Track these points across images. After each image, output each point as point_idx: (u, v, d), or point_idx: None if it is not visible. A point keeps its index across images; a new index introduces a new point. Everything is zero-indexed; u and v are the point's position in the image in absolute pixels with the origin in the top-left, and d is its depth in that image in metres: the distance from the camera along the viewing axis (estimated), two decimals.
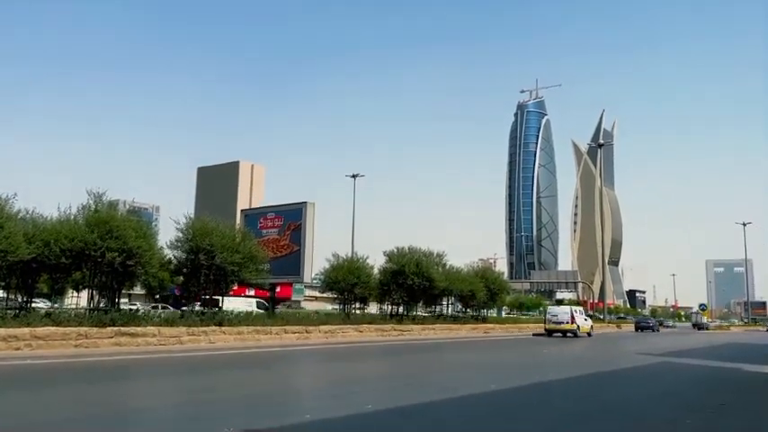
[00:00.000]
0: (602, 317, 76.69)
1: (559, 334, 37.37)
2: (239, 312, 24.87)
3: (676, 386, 13.59)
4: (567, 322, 37.57)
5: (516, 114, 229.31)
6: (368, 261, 32.77)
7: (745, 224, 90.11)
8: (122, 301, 25.36)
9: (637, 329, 57.87)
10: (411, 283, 32.15)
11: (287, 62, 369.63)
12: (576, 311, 39.18)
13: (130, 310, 23.84)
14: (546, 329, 38.58)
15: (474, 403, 9.71)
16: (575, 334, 37.34)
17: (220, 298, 24.33)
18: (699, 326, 78.42)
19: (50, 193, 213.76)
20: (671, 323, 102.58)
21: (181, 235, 23.10)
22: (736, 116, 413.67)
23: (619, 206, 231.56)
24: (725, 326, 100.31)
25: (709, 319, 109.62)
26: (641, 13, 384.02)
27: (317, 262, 32.05)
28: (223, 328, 21.01)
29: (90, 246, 18.29)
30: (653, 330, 58.34)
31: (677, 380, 15.08)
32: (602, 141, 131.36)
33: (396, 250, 33.76)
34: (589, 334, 39.67)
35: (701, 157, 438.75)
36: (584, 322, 39.99)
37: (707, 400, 11.28)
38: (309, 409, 8.60)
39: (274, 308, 31.78)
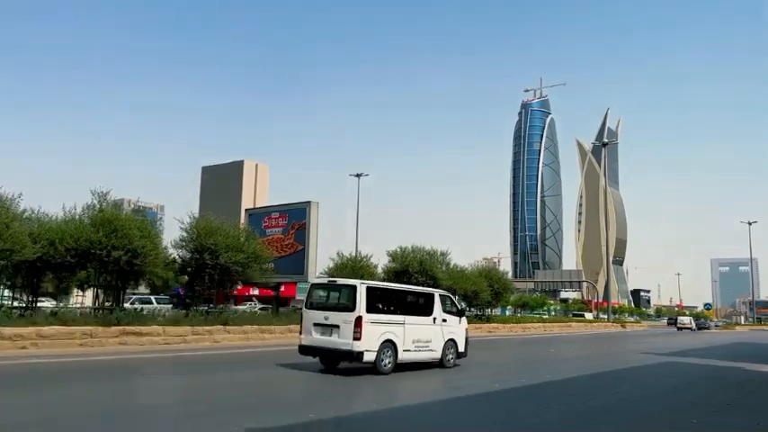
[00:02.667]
0: (606, 317, 76.56)
1: (684, 329, 64.88)
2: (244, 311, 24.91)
3: (681, 385, 13.57)
4: (689, 323, 68.31)
5: (520, 113, 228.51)
6: (372, 260, 32.83)
7: (750, 223, 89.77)
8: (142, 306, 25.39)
9: (699, 329, 71.17)
10: (415, 282, 32.13)
11: (291, 62, 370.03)
12: (692, 318, 74.24)
13: (135, 309, 23.92)
14: (677, 327, 67.90)
15: (478, 402, 9.72)
16: (690, 329, 65.83)
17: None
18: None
19: (54, 192, 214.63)
20: (719, 323, 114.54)
21: (185, 234, 23.16)
22: (741, 115, 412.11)
23: (623, 205, 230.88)
24: (730, 325, 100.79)
25: (716, 319, 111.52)
26: (646, 13, 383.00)
27: (321, 261, 32.13)
28: (228, 328, 21.05)
29: (95, 245, 18.35)
30: (708, 329, 73.14)
31: (682, 379, 15.06)
32: (606, 140, 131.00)
33: (399, 249, 33.75)
34: (694, 329, 66.74)
35: (706, 156, 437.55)
36: (694, 323, 70.06)
37: (711, 400, 11.27)
38: (315, 408, 8.62)
39: (278, 308, 31.78)
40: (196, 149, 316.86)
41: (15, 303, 23.59)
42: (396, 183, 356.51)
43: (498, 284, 42.93)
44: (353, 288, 12.54)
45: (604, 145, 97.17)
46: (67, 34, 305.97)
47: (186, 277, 25.07)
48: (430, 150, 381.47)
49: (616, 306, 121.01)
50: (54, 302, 35.44)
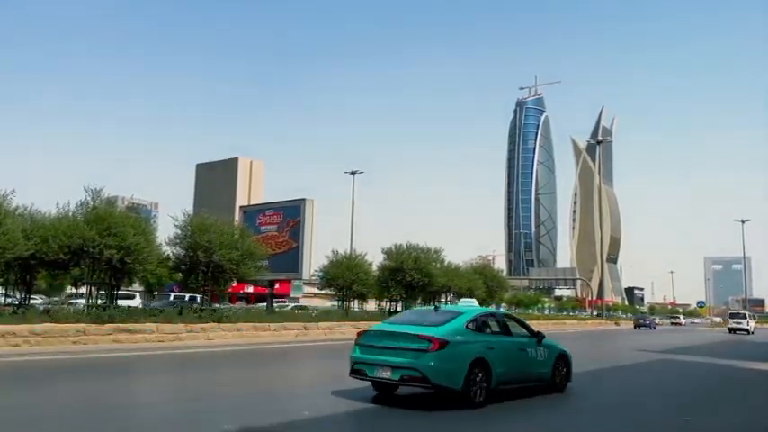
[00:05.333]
0: (600, 314, 76.89)
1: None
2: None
3: (675, 383, 13.62)
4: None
5: (515, 111, 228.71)
6: (366, 258, 32.84)
7: (743, 221, 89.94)
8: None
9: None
10: (410, 280, 32.16)
11: (286, 58, 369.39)
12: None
13: (129, 306, 23.83)
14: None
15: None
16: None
17: None
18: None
19: (48, 190, 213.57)
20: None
21: (179, 232, 23.07)
22: (735, 113, 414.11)
23: (617, 203, 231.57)
24: (723, 322, 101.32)
25: (708, 317, 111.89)
26: (641, 10, 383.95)
27: (315, 258, 32.07)
28: (222, 325, 20.99)
29: (88, 242, 18.26)
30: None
31: (677, 377, 15.11)
32: (600, 138, 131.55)
33: (394, 247, 33.76)
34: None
35: (700, 154, 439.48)
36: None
37: (706, 397, 11.31)
38: (308, 405, 8.59)
39: (272, 306, 31.78)
40: (191, 147, 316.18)
41: (8, 300, 23.52)
42: (391, 181, 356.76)
43: (493, 282, 43.09)
44: (746, 314, 56.56)
45: (599, 143, 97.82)
46: (63, 30, 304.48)
47: (180, 275, 24.99)
48: (425, 148, 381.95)
49: (610, 304, 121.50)
50: (47, 299, 35.32)
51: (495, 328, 9.62)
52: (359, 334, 9.24)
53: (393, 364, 8.28)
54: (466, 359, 8.27)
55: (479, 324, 9.17)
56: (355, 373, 8.85)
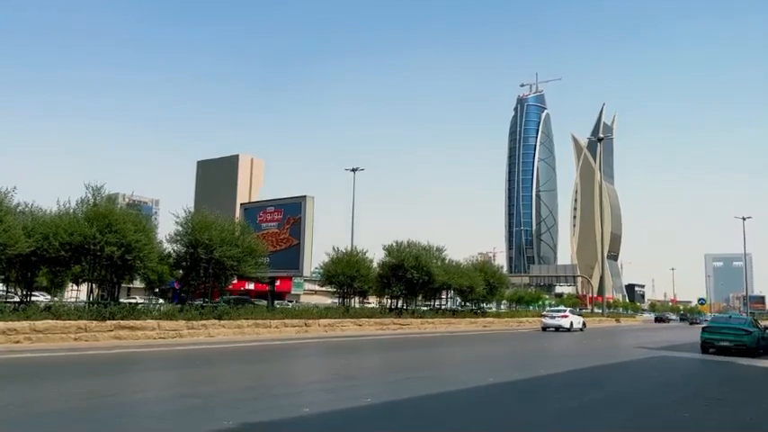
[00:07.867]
0: (600, 311, 76.86)
1: None
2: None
3: (674, 380, 13.65)
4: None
5: (516, 108, 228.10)
6: (367, 255, 32.88)
7: (744, 218, 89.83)
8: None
9: None
10: (410, 277, 32.19)
11: (287, 58, 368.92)
12: None
13: (129, 303, 23.88)
14: None
15: (472, 397, 9.75)
16: None
17: None
18: None
19: (49, 187, 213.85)
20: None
21: (180, 229, 23.11)
22: (736, 110, 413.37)
23: (618, 200, 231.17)
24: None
25: (709, 314, 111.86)
26: (642, 9, 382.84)
27: (316, 256, 32.12)
28: (222, 322, 21.06)
29: (89, 239, 18.30)
30: None
31: (675, 374, 15.14)
32: (601, 135, 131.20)
33: (395, 244, 33.79)
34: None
35: (701, 152, 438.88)
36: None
37: (704, 394, 11.34)
38: (308, 402, 8.62)
39: (273, 303, 31.80)
40: (192, 144, 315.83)
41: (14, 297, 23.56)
42: (391, 177, 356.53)
43: (493, 279, 43.07)
44: None
45: (600, 140, 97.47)
46: (65, 24, 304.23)
47: (181, 272, 25.03)
48: (425, 145, 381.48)
49: (611, 301, 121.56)
50: (48, 297, 35.35)
51: (756, 324, 22.24)
52: (704, 328, 22.08)
53: (728, 339, 20.52)
54: (756, 337, 20.69)
55: (753, 323, 22.31)
56: (706, 344, 21.11)
